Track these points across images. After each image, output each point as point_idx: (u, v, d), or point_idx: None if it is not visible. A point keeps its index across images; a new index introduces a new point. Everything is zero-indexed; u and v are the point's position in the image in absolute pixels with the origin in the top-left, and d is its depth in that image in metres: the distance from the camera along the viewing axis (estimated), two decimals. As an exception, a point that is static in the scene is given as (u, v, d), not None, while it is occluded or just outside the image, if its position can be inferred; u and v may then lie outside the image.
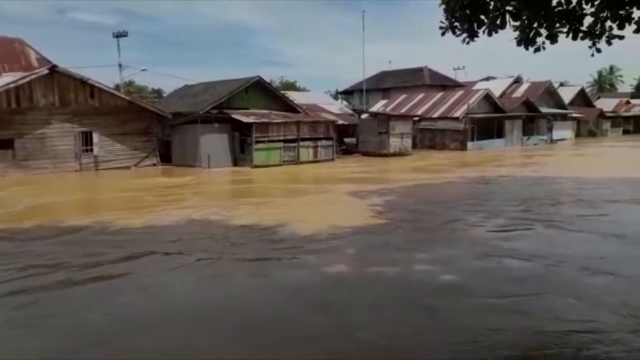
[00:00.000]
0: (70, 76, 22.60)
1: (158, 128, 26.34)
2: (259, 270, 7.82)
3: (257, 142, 24.53)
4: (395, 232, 10.32)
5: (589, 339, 5.10)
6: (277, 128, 25.58)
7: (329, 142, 28.03)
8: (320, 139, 27.54)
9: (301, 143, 26.47)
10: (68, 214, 12.78)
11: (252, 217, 11.61)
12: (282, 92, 32.91)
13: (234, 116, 24.66)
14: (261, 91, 28.02)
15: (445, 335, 5.29)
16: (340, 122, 31.01)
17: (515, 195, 14.77)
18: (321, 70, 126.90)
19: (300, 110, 29.19)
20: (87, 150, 23.11)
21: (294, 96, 34.43)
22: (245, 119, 24.43)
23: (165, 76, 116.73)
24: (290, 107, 28.86)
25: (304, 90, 57.54)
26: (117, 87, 37.11)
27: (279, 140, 25.55)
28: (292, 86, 61.91)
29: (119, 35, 38.16)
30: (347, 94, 54.52)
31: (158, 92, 57.15)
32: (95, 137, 23.21)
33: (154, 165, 25.17)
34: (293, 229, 10.21)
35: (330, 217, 11.43)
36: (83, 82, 22.86)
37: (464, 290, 6.60)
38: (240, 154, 25.37)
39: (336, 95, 57.58)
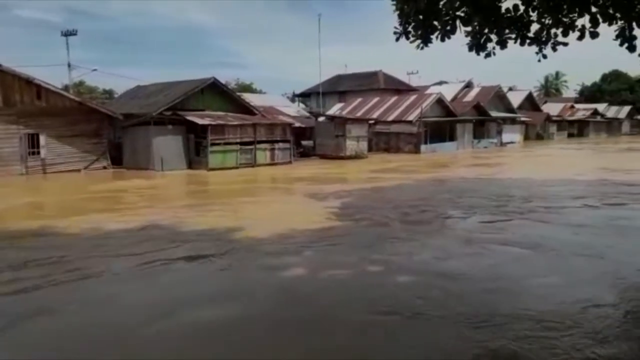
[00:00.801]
0: (15, 75, 21.63)
1: (109, 130, 25.56)
2: (211, 271, 7.73)
3: (213, 144, 24.21)
4: (354, 233, 10.41)
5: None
6: (234, 130, 25.34)
7: (286, 145, 27.99)
8: (277, 141, 27.47)
9: (258, 146, 26.31)
10: None
11: (206, 222, 11.43)
12: (239, 93, 32.63)
13: (189, 118, 24.26)
14: (217, 93, 27.70)
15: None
16: (297, 124, 31.05)
17: (475, 193, 15.22)
18: (278, 72, 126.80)
19: (257, 112, 29.04)
20: (33, 153, 22.13)
21: (251, 98, 34.25)
22: (200, 121, 24.08)
23: (117, 77, 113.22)
24: (246, 109, 28.67)
25: (260, 92, 57.28)
26: (66, 88, 35.88)
27: (236, 143, 25.31)
28: (248, 88, 61.52)
29: (68, 33, 36.90)
30: (304, 96, 54.62)
31: (109, 93, 55.54)
32: (43, 139, 22.26)
33: (105, 168, 24.41)
34: (248, 233, 10.07)
35: (288, 220, 11.42)
36: (29, 82, 21.92)
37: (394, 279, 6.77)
38: (195, 156, 24.97)
39: (293, 97, 57.56)
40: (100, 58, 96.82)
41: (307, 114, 38.48)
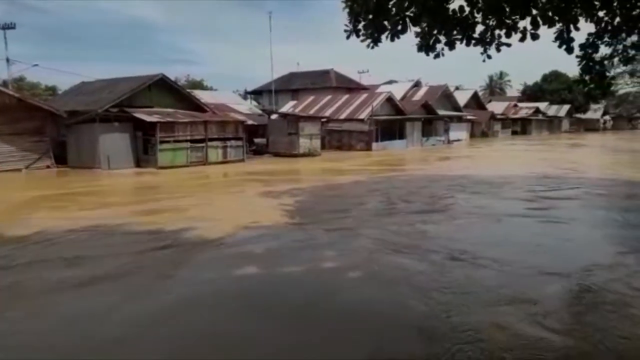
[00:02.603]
0: (-53, 69, 20.41)
1: (52, 128, 24.54)
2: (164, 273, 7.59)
3: (162, 142, 23.68)
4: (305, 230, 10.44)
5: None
6: (184, 128, 24.87)
7: (239, 143, 27.73)
8: (229, 139, 27.17)
9: (209, 143, 25.94)
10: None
11: (155, 221, 11.17)
12: (189, 90, 32.02)
13: (136, 115, 23.61)
14: (166, 89, 27.07)
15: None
16: (249, 122, 30.82)
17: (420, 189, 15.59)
18: (229, 69, 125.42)
19: (208, 109, 28.60)
20: (-32, 152, 21.00)
21: (201, 95, 33.67)
22: (148, 118, 23.49)
23: (61, 72, 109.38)
24: (197, 106, 28.18)
25: (211, 89, 56.39)
26: (5, 84, 34.12)
27: (186, 141, 24.86)
28: (199, 85, 60.43)
29: (6, 27, 35.01)
30: (257, 94, 54.26)
31: (53, 90, 53.13)
32: (-22, 137, 21.14)
33: (48, 167, 23.43)
34: (200, 233, 9.89)
35: (241, 218, 11.32)
36: (-38, 76, 20.74)
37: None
38: (143, 154, 24.35)
39: (245, 95, 57.06)
40: (42, 53, 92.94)
41: (260, 112, 38.26)
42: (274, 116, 34.17)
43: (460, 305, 5.85)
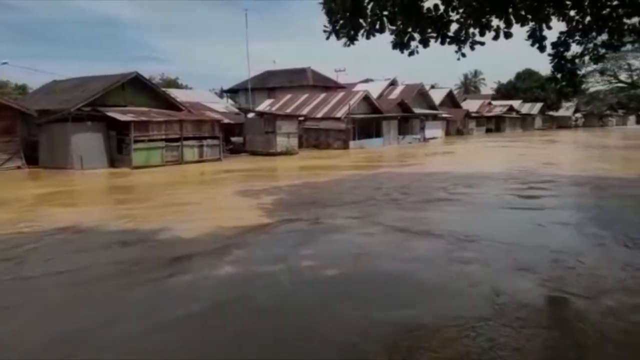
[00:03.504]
0: None
1: (22, 127, 23.95)
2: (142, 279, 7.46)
3: (137, 141, 23.31)
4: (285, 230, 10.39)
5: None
6: (158, 127, 24.53)
7: (215, 142, 27.48)
8: (205, 138, 26.89)
9: (185, 142, 25.64)
10: None
11: (128, 222, 10.99)
12: (163, 89, 31.59)
13: (110, 114, 23.19)
14: (140, 88, 26.65)
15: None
16: (226, 121, 30.57)
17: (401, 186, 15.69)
18: (205, 67, 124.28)
19: (183, 108, 28.26)
20: None
21: (176, 94, 33.26)
22: (122, 117, 23.10)
23: (31, 71, 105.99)
24: (172, 105, 27.82)
25: (186, 87, 55.76)
26: (-29, 82, 33.12)
27: (161, 140, 24.52)
28: (173, 83, 59.66)
29: (-28, 23, 34.00)
30: (233, 92, 53.83)
31: (23, 89, 51.73)
32: (-56, 137, 20.48)
33: (19, 167, 22.84)
34: (176, 233, 9.74)
35: (218, 218, 11.21)
36: None
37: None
38: (117, 154, 23.93)
39: (221, 93, 56.54)
40: (11, 51, 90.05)
41: (236, 110, 37.99)
42: (250, 115, 33.96)
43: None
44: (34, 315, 5.79)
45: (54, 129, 23.28)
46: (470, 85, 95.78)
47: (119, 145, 23.89)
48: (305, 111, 37.06)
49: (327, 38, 5.57)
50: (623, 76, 65.79)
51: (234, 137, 32.33)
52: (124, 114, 23.65)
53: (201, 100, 36.04)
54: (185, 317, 5.64)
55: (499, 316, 5.40)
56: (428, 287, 6.60)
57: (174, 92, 33.35)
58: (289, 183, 17.89)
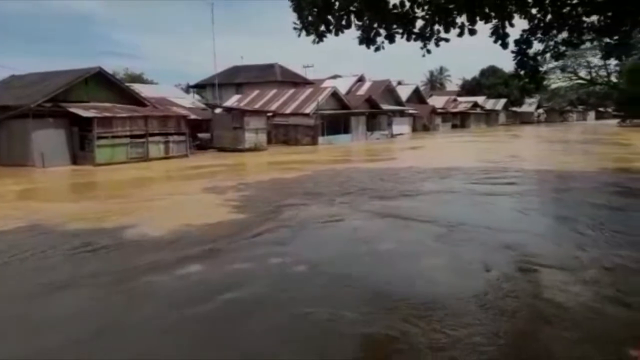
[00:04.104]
0: None
1: (-22, 123, 23.05)
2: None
3: (100, 137, 22.75)
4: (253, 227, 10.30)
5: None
6: (122, 123, 23.98)
7: (182, 138, 27.07)
8: (171, 134, 26.46)
9: (150, 139, 25.15)
10: None
11: (91, 220, 10.72)
12: (128, 84, 30.89)
13: (72, 110, 22.54)
14: (103, 83, 25.97)
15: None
16: (192, 116, 30.12)
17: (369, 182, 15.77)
18: (170, 63, 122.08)
19: (148, 103, 27.71)
20: None
21: (141, 89, 32.55)
22: (84, 113, 22.48)
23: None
24: (136, 100, 27.23)
25: (151, 83, 54.71)
26: None
27: (125, 136, 23.99)
28: (138, 79, 58.46)
29: None
30: (200, 88, 53.16)
31: (-22, 83, 49.76)
32: None
33: (-25, 165, 21.99)
34: (139, 231, 9.53)
35: (185, 216, 11.04)
36: None
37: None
38: (80, 151, 23.31)
39: (187, 89, 55.77)
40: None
41: (203, 106, 37.51)
42: (218, 110, 33.59)
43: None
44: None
45: (13, 126, 22.47)
46: (436, 82, 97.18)
47: (81, 141, 23.27)
48: (273, 107, 36.89)
49: (299, 35, 5.55)
50: (582, 73, 68.02)
51: (201, 133, 31.90)
52: (86, 109, 23.02)
53: (167, 96, 35.42)
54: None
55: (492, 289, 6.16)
56: (430, 266, 7.26)
57: (138, 88, 32.64)
58: (258, 179, 17.74)
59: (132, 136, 24.30)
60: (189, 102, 38.01)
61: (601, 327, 5.08)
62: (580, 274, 6.68)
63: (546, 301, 5.77)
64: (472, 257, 7.45)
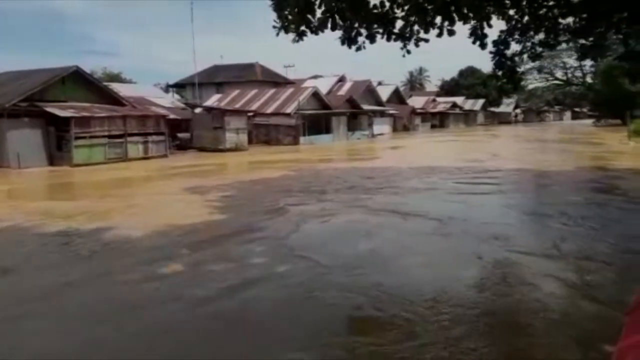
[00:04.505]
0: None
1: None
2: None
3: (77, 138, 22.41)
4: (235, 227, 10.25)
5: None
6: (101, 122, 23.66)
7: (161, 138, 26.80)
8: (150, 134, 26.19)
9: (129, 139, 24.86)
10: None
11: (71, 221, 10.55)
12: (106, 83, 30.48)
13: (48, 109, 22.16)
14: (81, 82, 25.58)
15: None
16: (172, 116, 29.85)
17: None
18: (149, 62, 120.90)
19: (127, 103, 27.38)
20: None
21: (120, 88, 32.20)
22: (61, 113, 22.12)
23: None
24: (115, 100, 26.89)
25: (130, 82, 54.03)
26: None
27: (103, 136, 23.68)
28: (116, 78, 57.68)
29: None
30: (179, 87, 52.71)
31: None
32: None
33: (-53, 166, 21.45)
34: (118, 233, 9.39)
35: (165, 216, 10.93)
36: None
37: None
38: (57, 151, 22.93)
39: (167, 88, 55.20)
40: None
41: (183, 106, 37.22)
42: (198, 110, 33.34)
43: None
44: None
45: (-14, 125, 22.01)
46: (415, 82, 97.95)
47: (58, 142, 22.89)
48: (254, 107, 36.75)
49: (277, 34, 5.55)
50: (559, 74, 69.28)
51: (180, 133, 31.63)
52: (63, 109, 22.65)
53: (146, 95, 35.04)
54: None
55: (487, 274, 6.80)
56: (428, 255, 7.77)
57: (117, 87, 32.26)
58: (239, 179, 17.65)
59: (110, 136, 23.99)
60: (168, 101, 37.67)
61: (576, 305, 5.70)
62: (561, 261, 7.18)
63: (528, 281, 6.46)
64: (465, 247, 8.00)
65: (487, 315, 5.36)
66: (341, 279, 6.53)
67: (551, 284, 6.20)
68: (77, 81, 25.37)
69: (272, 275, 6.78)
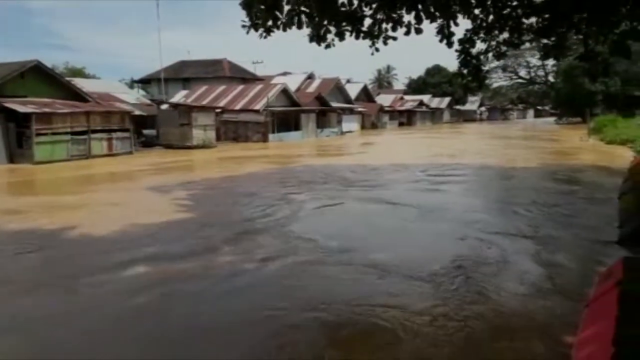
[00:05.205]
0: None
1: None
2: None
3: (39, 134, 21.72)
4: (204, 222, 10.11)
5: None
6: (63, 119, 23.00)
7: (126, 134, 26.24)
8: (115, 130, 25.61)
9: (93, 135, 24.25)
10: None
11: (30, 221, 10.22)
12: (68, 79, 29.62)
13: (8, 105, 21.40)
14: (42, 77, 24.78)
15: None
16: (137, 112, 29.26)
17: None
18: (114, 57, 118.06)
19: (91, 99, 26.68)
20: None
21: (83, 84, 31.30)
22: (21, 109, 21.40)
23: None
24: (78, 95, 26.16)
25: (94, 77, 52.70)
26: None
27: (66, 133, 23.03)
28: (79, 73, 56.17)
29: None
30: (145, 83, 51.66)
31: None
32: None
33: None
34: (81, 233, 9.15)
35: (128, 216, 10.68)
36: None
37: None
38: (18, 148, 22.18)
39: (132, 84, 54.06)
40: None
41: (149, 102, 36.51)
42: (164, 106, 32.75)
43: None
44: None
45: (-60, 121, 21.10)
46: (383, 80, 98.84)
47: (19, 139, 22.14)
48: (222, 103, 36.38)
49: (247, 32, 5.51)
50: (522, 73, 71.02)
51: (146, 129, 31.02)
52: (24, 105, 21.92)
53: (110, 91, 34.18)
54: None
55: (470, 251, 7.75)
56: (417, 237, 8.98)
57: (80, 82, 31.37)
58: (204, 177, 17.43)
59: (73, 133, 23.36)
60: (133, 97, 36.86)
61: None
62: (534, 240, 8.30)
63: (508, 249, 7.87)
64: (449, 230, 9.10)
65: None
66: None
67: (510, 248, 7.72)
68: (38, 76, 24.56)
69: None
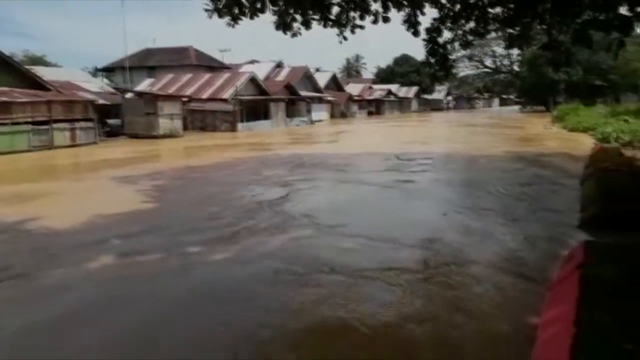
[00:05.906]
0: None
1: None
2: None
3: (-3, 125, 20.95)
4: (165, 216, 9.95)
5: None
6: (23, 108, 22.22)
7: (89, 124, 25.55)
8: (78, 120, 24.90)
9: (55, 125, 23.52)
10: None
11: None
12: (28, 67, 28.59)
13: (-38, 94, 20.55)
14: (-1, 65, 23.87)
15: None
16: (101, 101, 28.49)
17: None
18: (76, 45, 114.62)
19: (52, 88, 25.84)
20: None
21: (43, 72, 30.29)
22: (-22, 98, 20.57)
23: None
24: (38, 84, 25.30)
25: (55, 65, 51.01)
26: None
27: (26, 123, 22.27)
28: (39, 61, 54.33)
29: None
30: (108, 71, 50.35)
31: None
32: None
33: None
34: (43, 225, 8.90)
35: (93, 207, 10.41)
36: None
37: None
38: (-26, 139, 21.34)
39: (95, 72, 52.60)
40: None
41: (113, 90, 35.58)
42: (129, 95, 31.99)
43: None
44: None
45: None
46: (352, 70, 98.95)
47: (-25, 129, 21.31)
48: (189, 92, 35.75)
49: (210, 17, 5.40)
50: (488, 62, 72.18)
51: (110, 119, 30.25)
52: (-21, 94, 21.08)
53: (72, 80, 33.19)
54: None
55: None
56: (405, 213, 9.78)
57: (40, 71, 30.32)
58: (173, 166, 17.15)
59: (34, 123, 22.61)
60: (96, 86, 35.87)
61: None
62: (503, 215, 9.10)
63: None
64: (431, 205, 10.28)
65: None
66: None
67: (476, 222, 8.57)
68: (-5, 64, 23.65)
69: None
